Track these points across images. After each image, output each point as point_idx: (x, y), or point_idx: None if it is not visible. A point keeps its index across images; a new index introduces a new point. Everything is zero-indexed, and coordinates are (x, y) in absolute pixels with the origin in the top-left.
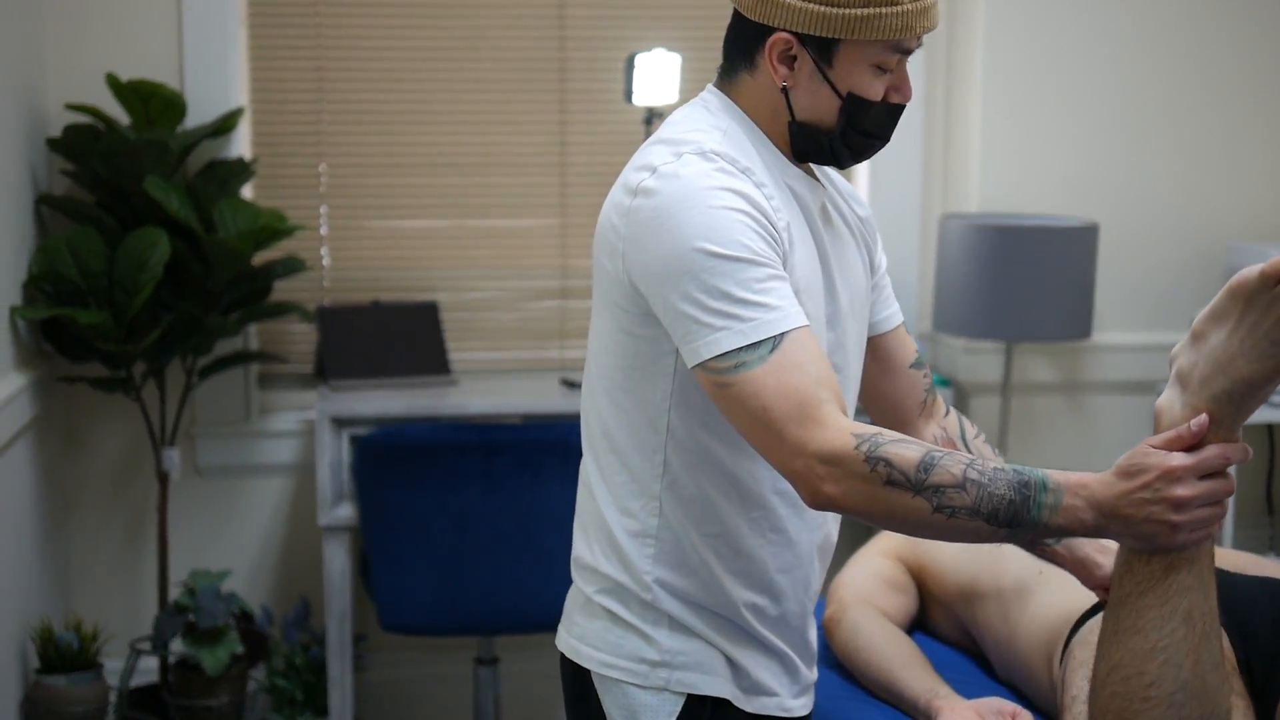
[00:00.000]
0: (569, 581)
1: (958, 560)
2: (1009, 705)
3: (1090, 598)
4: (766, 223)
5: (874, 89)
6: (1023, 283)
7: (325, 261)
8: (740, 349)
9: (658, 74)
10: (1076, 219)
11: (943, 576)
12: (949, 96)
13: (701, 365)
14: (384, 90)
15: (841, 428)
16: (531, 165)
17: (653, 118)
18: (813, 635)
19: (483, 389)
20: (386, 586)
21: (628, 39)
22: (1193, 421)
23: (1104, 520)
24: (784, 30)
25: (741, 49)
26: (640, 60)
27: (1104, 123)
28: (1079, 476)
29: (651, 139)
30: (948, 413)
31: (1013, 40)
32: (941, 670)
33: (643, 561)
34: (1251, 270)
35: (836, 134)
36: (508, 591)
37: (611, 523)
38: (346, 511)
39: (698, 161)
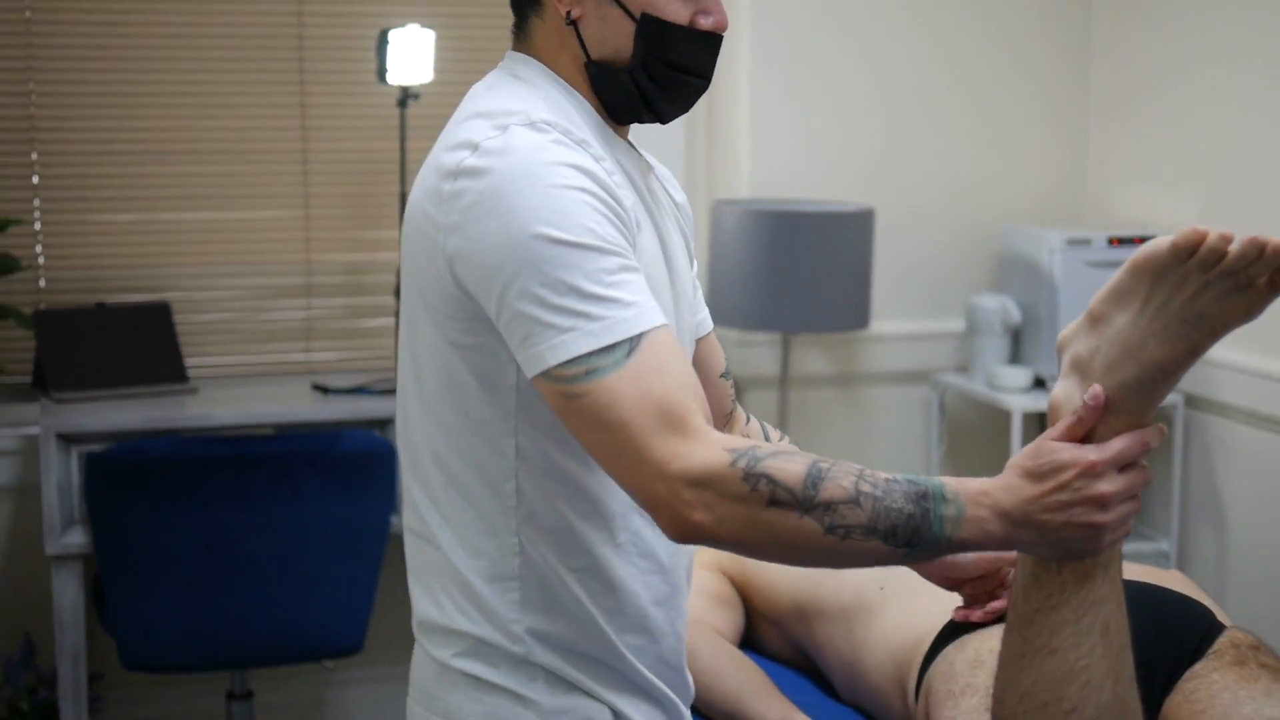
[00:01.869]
0: (332, 604)
1: (789, 574)
2: None
3: (939, 620)
4: (613, 202)
5: (673, 8)
6: (799, 271)
7: (41, 260)
8: (592, 353)
9: (412, 51)
10: (852, 204)
11: (773, 591)
12: (715, 78)
13: (545, 374)
14: (102, 70)
15: (713, 441)
16: (270, 152)
17: (408, 98)
18: (688, 671)
19: (227, 397)
20: (126, 619)
21: (369, 15)
22: (1087, 395)
23: (1014, 530)
24: None
25: None
26: (394, 36)
27: (877, 107)
28: (978, 484)
29: (460, 116)
30: (749, 420)
31: (782, 23)
32: (783, 692)
33: (508, 610)
34: (1161, 243)
35: (637, 66)
36: (264, 619)
37: (463, 570)
38: (78, 537)
39: (528, 133)
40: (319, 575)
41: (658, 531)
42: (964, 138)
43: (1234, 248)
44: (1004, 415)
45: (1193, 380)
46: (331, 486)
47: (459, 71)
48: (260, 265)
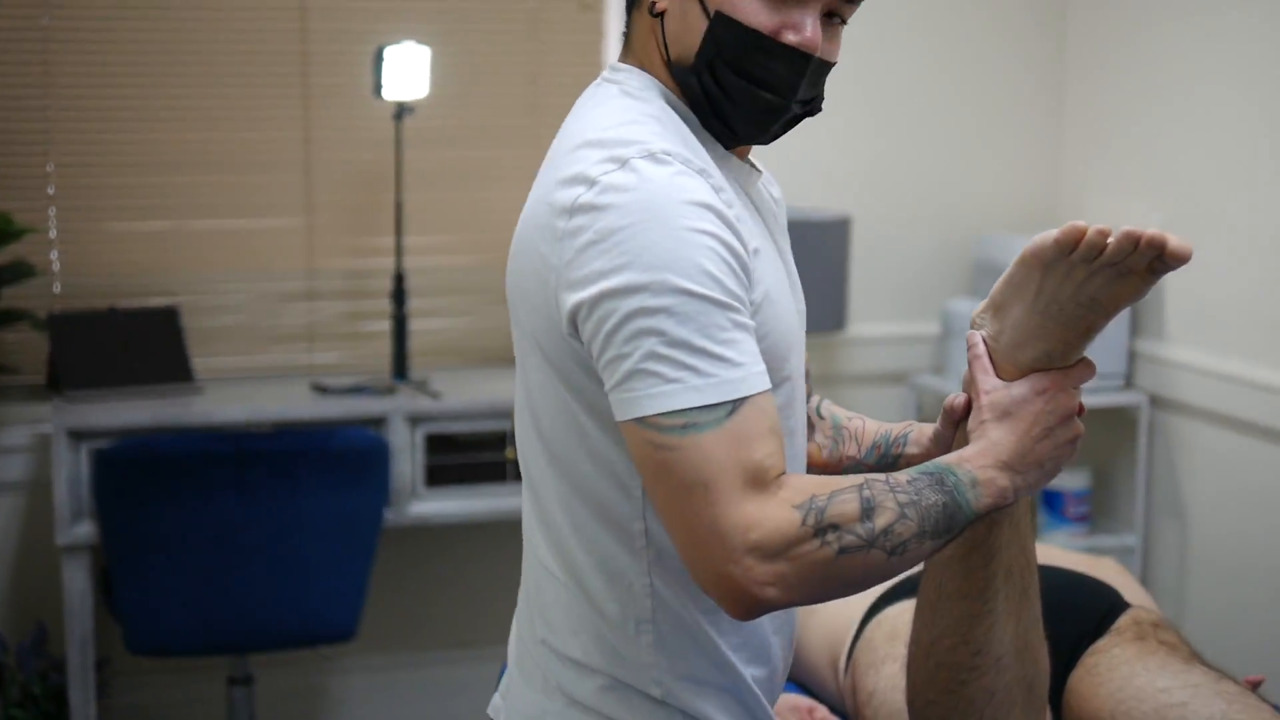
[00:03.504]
0: (327, 593)
1: None
2: (805, 701)
3: (865, 601)
4: (737, 245)
5: (755, 13)
6: None
7: (56, 266)
8: (694, 409)
9: (408, 68)
10: (830, 212)
11: None
12: None
13: (640, 419)
14: (116, 85)
15: (783, 499)
16: (275, 163)
17: (403, 113)
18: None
19: (230, 396)
20: (132, 607)
21: (373, 32)
22: (968, 337)
23: (1019, 476)
24: None
25: None
26: (389, 53)
27: (856, 117)
28: (967, 451)
29: (570, 143)
30: (819, 405)
31: None
32: None
33: (643, 653)
34: (1046, 237)
35: (702, 67)
36: (262, 607)
37: (594, 611)
38: (86, 529)
39: (648, 166)
40: (315, 565)
41: None
42: (941, 148)
43: (1111, 241)
44: None
45: (1157, 382)
46: (328, 481)
47: (456, 85)
48: (266, 271)
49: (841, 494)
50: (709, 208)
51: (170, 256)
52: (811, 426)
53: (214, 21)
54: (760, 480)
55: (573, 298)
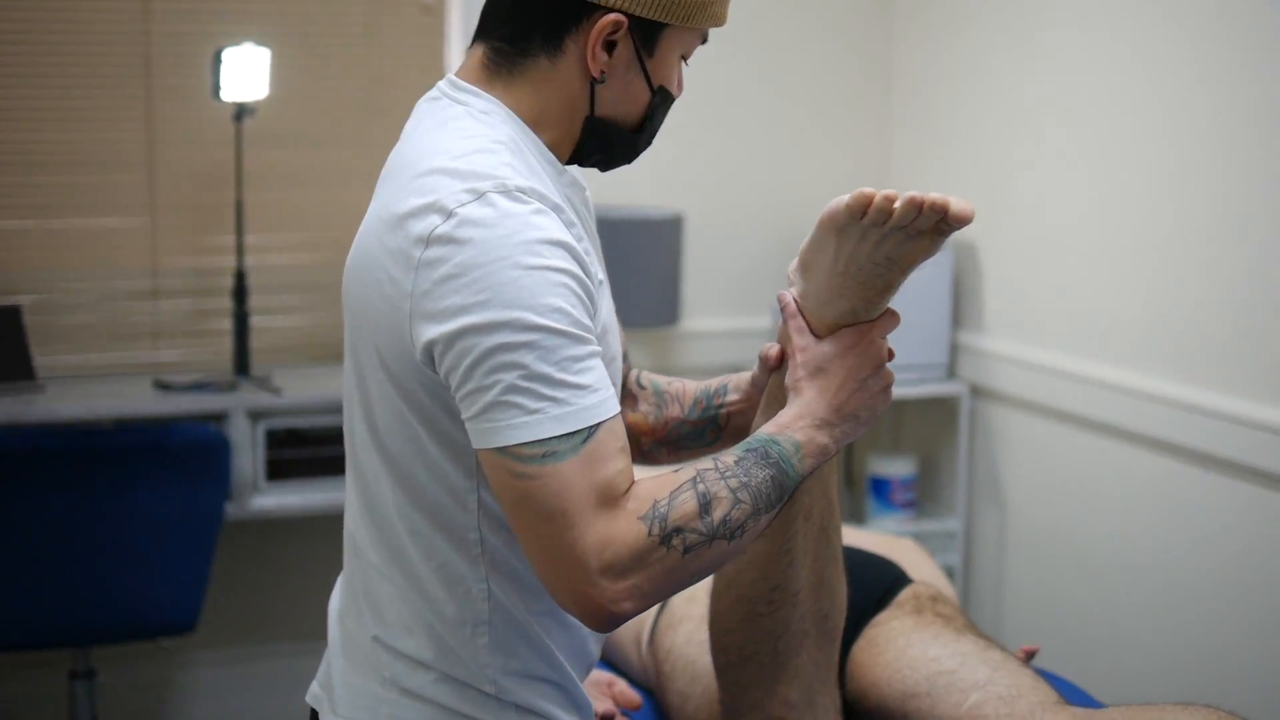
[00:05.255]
0: (168, 585)
1: None
2: (604, 675)
3: None
4: (586, 280)
5: (676, 82)
6: (612, 273)
7: None
8: (553, 438)
9: (247, 69)
10: (663, 210)
11: None
12: None
13: (500, 449)
14: None
15: (630, 511)
16: (118, 163)
17: (243, 113)
18: None
19: (72, 394)
20: None
21: (216, 33)
22: (779, 297)
23: (837, 430)
24: (616, 10)
25: (546, 30)
26: (228, 55)
27: (687, 117)
28: (783, 416)
29: (421, 167)
30: (639, 377)
31: None
32: None
33: (478, 654)
34: (839, 202)
35: (639, 131)
36: (103, 599)
37: (430, 612)
38: None
39: (507, 203)
40: (156, 559)
41: None
42: (771, 146)
43: (898, 206)
44: None
45: (977, 372)
46: (168, 476)
47: (298, 86)
48: (109, 269)
49: (680, 493)
50: (563, 245)
51: (14, 255)
52: (635, 398)
53: (56, 22)
54: (610, 497)
55: (431, 330)
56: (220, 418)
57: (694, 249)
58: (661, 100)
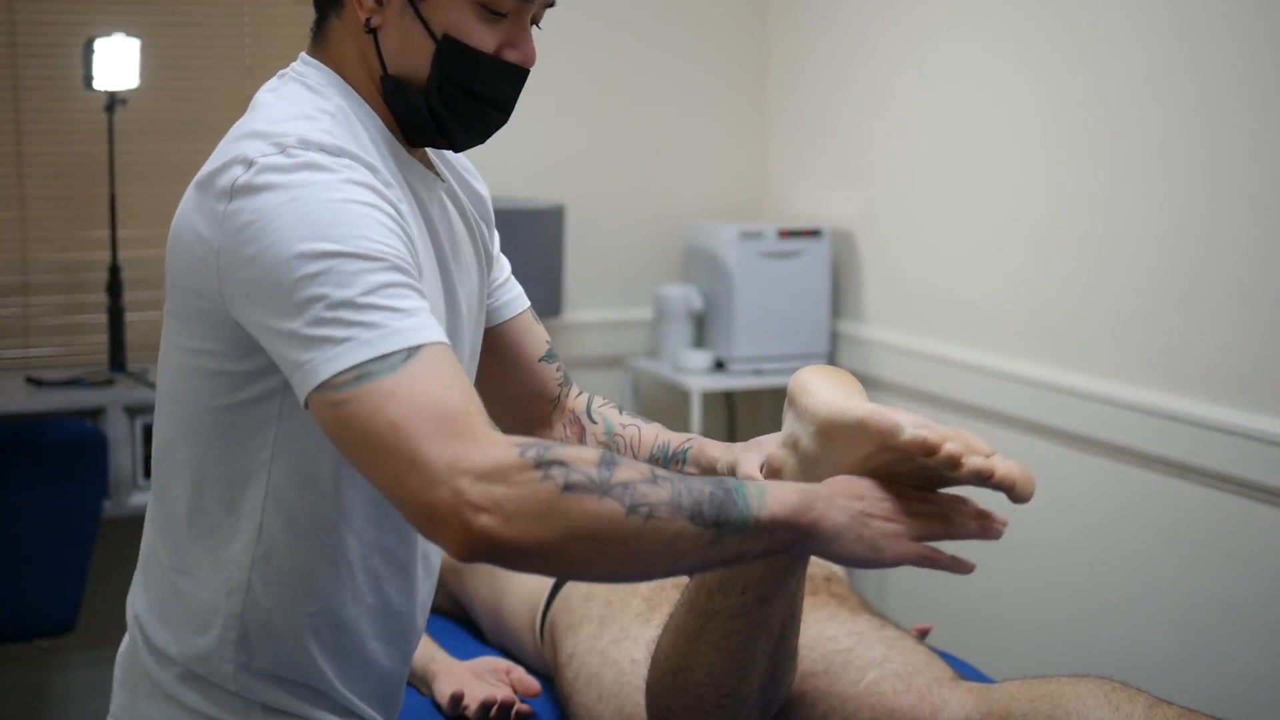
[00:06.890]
0: (45, 586)
1: None
2: (502, 662)
3: None
4: (403, 222)
5: (480, 35)
6: None
7: None
8: (365, 361)
9: (117, 59)
10: (543, 201)
11: None
12: None
13: (319, 387)
14: None
15: (497, 439)
16: None
17: (115, 104)
18: (405, 689)
19: None
20: None
21: (84, 23)
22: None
23: (818, 504)
24: None
25: None
26: (99, 45)
27: (567, 109)
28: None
29: (238, 132)
30: (583, 394)
31: None
32: (435, 637)
33: (224, 648)
34: (899, 424)
35: (433, 89)
36: None
37: (188, 597)
38: None
39: (309, 154)
40: (31, 558)
41: (396, 570)
42: (651, 140)
43: (962, 473)
44: (686, 395)
45: (858, 360)
46: (43, 474)
47: (170, 77)
48: None
49: (578, 448)
50: (369, 187)
51: None
52: (582, 429)
53: None
54: (455, 423)
55: (232, 283)
56: (97, 413)
57: (575, 240)
58: (453, 51)
